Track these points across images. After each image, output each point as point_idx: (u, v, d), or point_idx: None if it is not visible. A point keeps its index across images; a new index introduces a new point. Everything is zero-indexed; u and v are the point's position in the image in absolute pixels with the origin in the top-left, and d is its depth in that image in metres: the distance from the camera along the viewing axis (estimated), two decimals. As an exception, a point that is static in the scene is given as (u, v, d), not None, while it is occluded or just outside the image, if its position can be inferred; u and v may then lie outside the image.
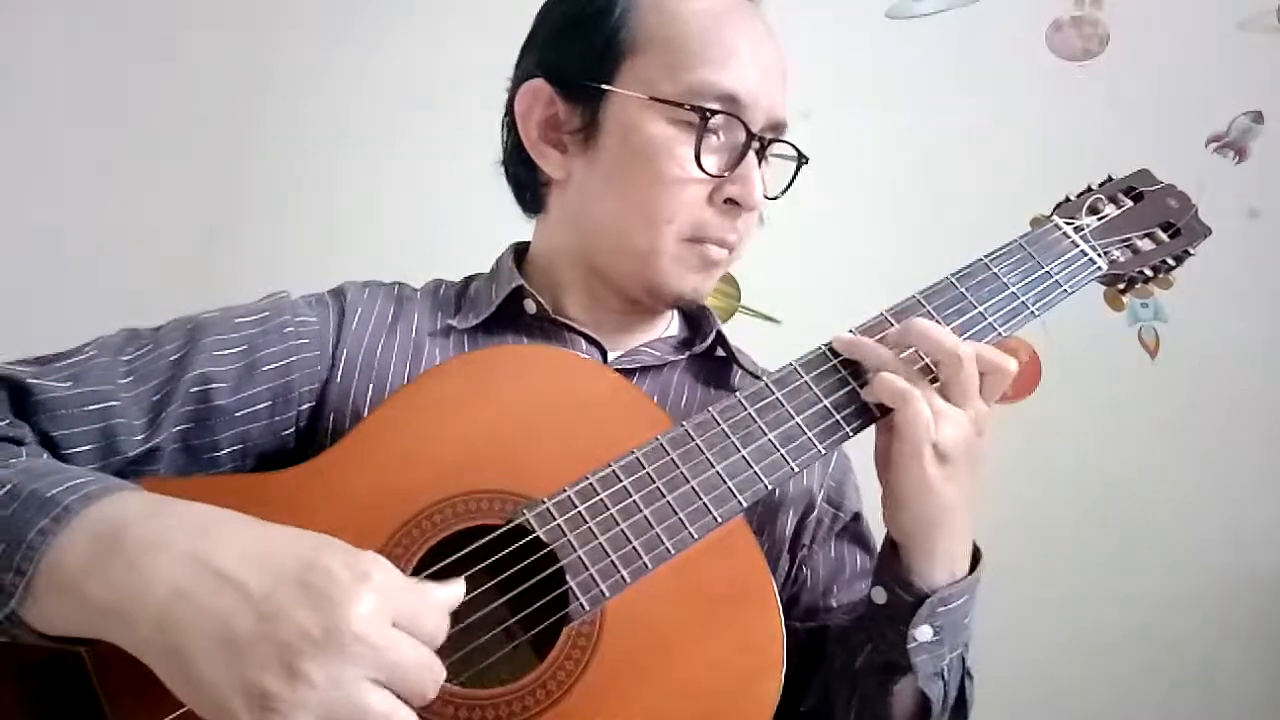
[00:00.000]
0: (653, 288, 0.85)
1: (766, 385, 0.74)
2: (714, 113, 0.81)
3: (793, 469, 0.72)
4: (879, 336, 0.76)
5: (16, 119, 1.83)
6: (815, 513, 0.89)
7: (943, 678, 0.75)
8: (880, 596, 0.74)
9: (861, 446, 0.93)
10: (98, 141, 1.97)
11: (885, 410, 0.73)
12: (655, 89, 0.82)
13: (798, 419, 0.73)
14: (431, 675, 0.55)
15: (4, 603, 0.55)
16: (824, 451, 0.73)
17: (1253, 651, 1.74)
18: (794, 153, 0.88)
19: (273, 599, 0.53)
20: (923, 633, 0.72)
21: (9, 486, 0.59)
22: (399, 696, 0.54)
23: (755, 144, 0.83)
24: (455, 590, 0.60)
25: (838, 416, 0.74)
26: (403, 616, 0.55)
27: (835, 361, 0.75)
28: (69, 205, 1.92)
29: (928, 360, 0.74)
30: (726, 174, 0.82)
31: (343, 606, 0.52)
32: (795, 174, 0.89)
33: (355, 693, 0.52)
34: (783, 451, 0.72)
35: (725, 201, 0.83)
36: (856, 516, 0.93)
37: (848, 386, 0.75)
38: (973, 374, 0.71)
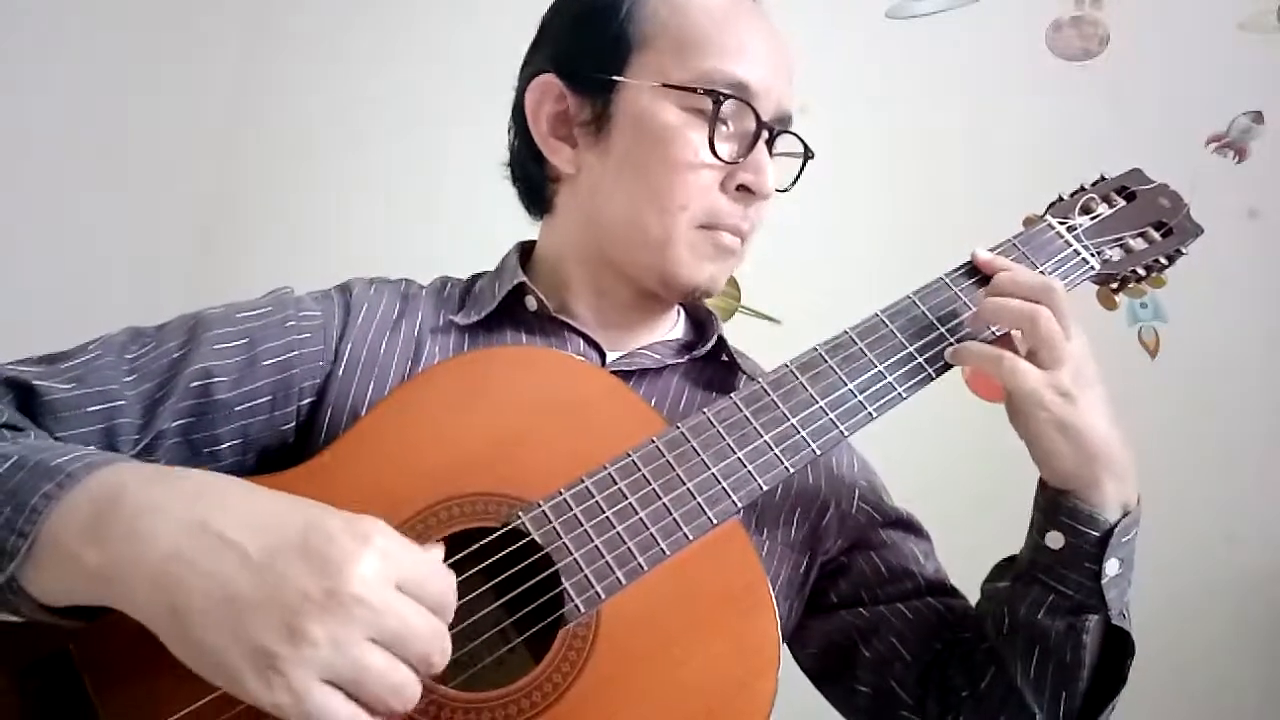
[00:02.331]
0: (668, 278, 0.85)
1: (761, 387, 0.75)
2: (726, 97, 0.81)
3: (787, 469, 0.72)
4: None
5: (16, 119, 1.83)
6: (851, 511, 0.90)
7: (1124, 614, 0.76)
8: (1057, 541, 0.73)
9: (877, 443, 0.94)
10: (97, 141, 1.97)
11: (883, 409, 0.75)
12: (667, 77, 0.82)
13: (793, 420, 0.74)
14: (437, 641, 0.55)
15: (4, 566, 0.56)
16: (819, 452, 0.73)
17: (1249, 650, 1.74)
18: (799, 147, 0.89)
19: (273, 561, 0.53)
20: (1112, 566, 0.73)
21: (15, 458, 0.60)
22: (403, 660, 0.54)
23: (765, 133, 0.83)
24: (435, 554, 0.60)
25: (831, 416, 0.74)
26: (407, 580, 0.55)
27: (832, 363, 0.76)
28: (69, 205, 1.92)
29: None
30: (740, 160, 0.83)
31: (343, 568, 0.53)
32: (802, 168, 0.90)
33: (356, 652, 0.52)
34: (776, 451, 0.73)
35: (738, 188, 0.84)
36: (900, 517, 0.93)
37: (843, 388, 0.75)
38: (1066, 303, 0.73)
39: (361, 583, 0.53)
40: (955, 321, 0.78)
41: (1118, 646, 0.76)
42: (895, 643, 0.85)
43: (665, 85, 0.82)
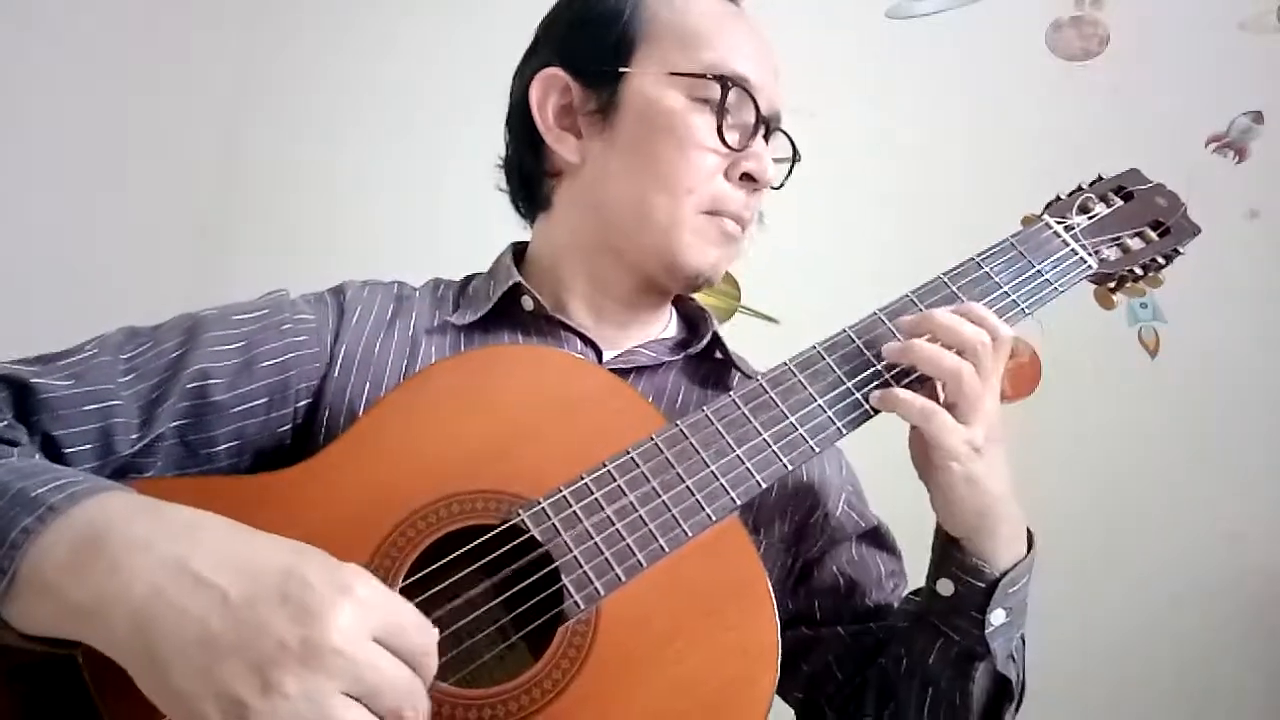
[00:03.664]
0: (672, 262, 0.86)
1: (760, 385, 0.75)
2: (733, 84, 0.84)
3: (786, 467, 0.72)
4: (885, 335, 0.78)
5: (16, 119, 1.83)
6: (835, 514, 0.90)
7: (1013, 659, 0.78)
8: (947, 589, 0.76)
9: (872, 444, 0.94)
10: (97, 141, 1.97)
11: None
12: (674, 68, 0.85)
13: (791, 418, 0.74)
14: (410, 697, 0.54)
15: None
16: (817, 450, 0.74)
17: (1249, 650, 1.74)
18: (788, 151, 0.92)
19: (251, 606, 0.52)
20: (997, 616, 0.75)
21: None
22: (376, 713, 0.53)
23: (764, 125, 0.86)
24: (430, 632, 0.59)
25: (829, 413, 0.74)
26: (385, 632, 0.54)
27: (829, 360, 0.76)
28: (69, 205, 1.92)
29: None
30: (746, 147, 0.85)
31: (321, 618, 0.51)
32: (790, 170, 0.92)
33: (329, 707, 0.51)
34: (775, 448, 0.73)
35: (741, 177, 0.86)
36: (877, 528, 0.94)
37: (841, 386, 0.75)
38: (1000, 359, 0.75)
39: (339, 634, 0.51)
40: None
41: (1007, 692, 0.79)
42: (831, 663, 0.87)
43: (673, 74, 0.85)
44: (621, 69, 0.86)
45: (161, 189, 2.10)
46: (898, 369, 0.76)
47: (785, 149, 0.92)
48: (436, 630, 0.57)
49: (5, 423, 0.68)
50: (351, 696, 0.52)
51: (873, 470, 0.97)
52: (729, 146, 0.84)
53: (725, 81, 0.83)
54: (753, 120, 0.85)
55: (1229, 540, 1.76)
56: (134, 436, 0.72)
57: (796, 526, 0.88)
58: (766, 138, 0.88)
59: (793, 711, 0.92)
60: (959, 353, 0.74)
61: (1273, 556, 1.76)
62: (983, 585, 0.75)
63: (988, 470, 0.73)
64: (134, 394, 0.73)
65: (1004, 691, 0.79)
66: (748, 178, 0.86)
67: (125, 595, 0.53)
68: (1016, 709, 0.81)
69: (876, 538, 0.93)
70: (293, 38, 2.30)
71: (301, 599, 0.52)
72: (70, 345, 0.75)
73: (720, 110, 0.84)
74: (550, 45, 0.92)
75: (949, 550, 0.76)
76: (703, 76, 0.84)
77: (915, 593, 0.84)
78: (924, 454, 0.74)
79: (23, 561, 0.55)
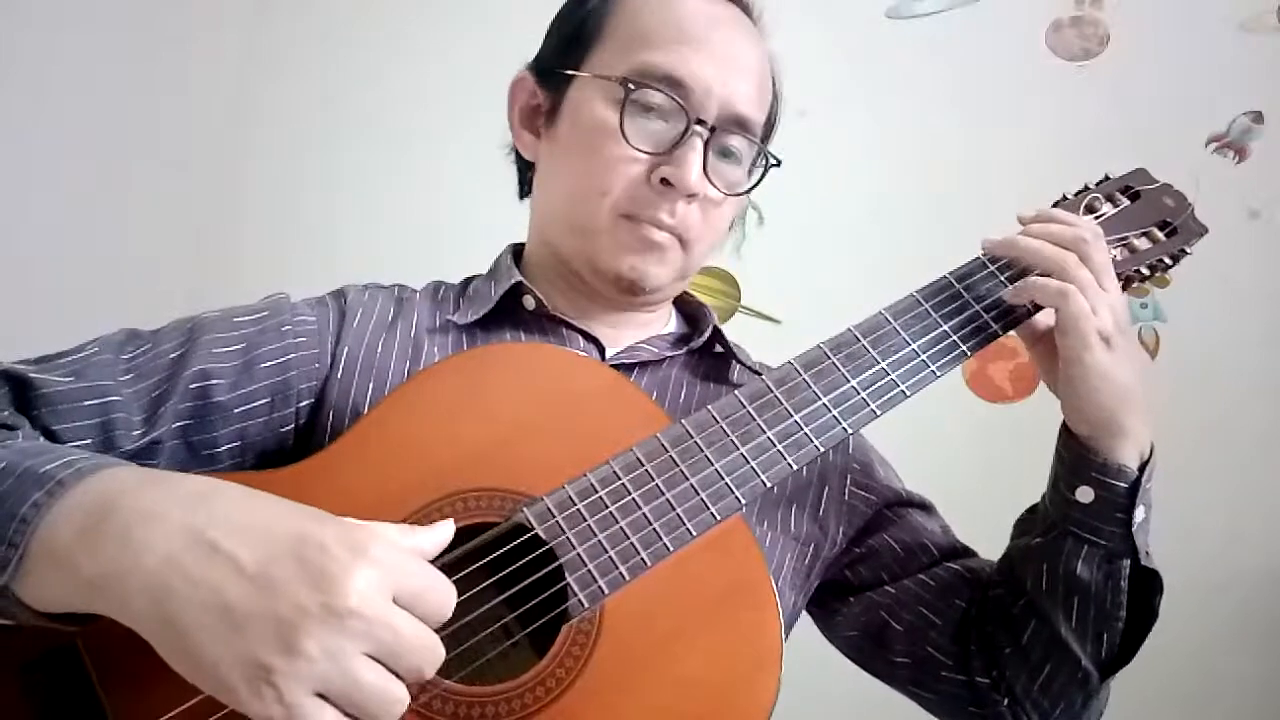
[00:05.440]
0: (592, 264, 0.87)
1: (765, 384, 0.75)
2: (639, 85, 0.82)
3: (790, 466, 0.72)
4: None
5: (16, 119, 1.83)
6: (845, 497, 0.91)
7: (1148, 554, 0.78)
8: (1087, 495, 0.76)
9: (876, 443, 0.94)
10: (97, 141, 1.97)
11: (887, 406, 0.75)
12: (606, 71, 0.85)
13: (795, 417, 0.74)
14: (430, 654, 0.55)
15: None
16: (822, 449, 0.73)
17: (1247, 649, 1.74)
18: (784, 156, 0.90)
19: (267, 572, 0.53)
20: (1139, 513, 0.76)
21: (3, 464, 0.59)
22: (395, 673, 0.54)
23: (699, 130, 0.83)
24: (443, 533, 0.60)
25: (834, 413, 0.74)
26: (404, 593, 0.55)
27: (835, 360, 0.76)
28: (69, 205, 1.92)
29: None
30: (661, 153, 0.83)
31: (339, 581, 0.52)
32: (764, 174, 0.90)
33: (350, 667, 0.52)
34: (780, 448, 0.73)
35: (661, 182, 0.83)
36: (899, 498, 0.94)
37: (846, 385, 0.75)
38: (1102, 254, 0.77)
39: (357, 596, 0.52)
40: (966, 314, 0.79)
41: (1144, 584, 0.78)
42: (924, 611, 0.87)
43: (596, 76, 0.85)
44: (569, 71, 0.87)
45: (161, 189, 2.10)
46: (903, 369, 0.76)
47: (767, 158, 0.90)
48: (454, 588, 0.58)
49: (6, 413, 0.68)
50: (373, 657, 0.53)
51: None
52: (636, 148, 0.82)
53: (628, 83, 0.82)
54: (683, 125, 0.82)
55: (1229, 541, 1.76)
56: (136, 434, 0.73)
57: (810, 518, 0.89)
58: (711, 140, 0.84)
59: (889, 692, 0.91)
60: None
61: (1272, 556, 1.76)
62: (1125, 486, 0.75)
63: (1119, 362, 0.74)
64: (135, 392, 0.74)
65: (1145, 584, 0.78)
66: (667, 182, 0.83)
67: (139, 567, 0.53)
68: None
69: (903, 501, 0.94)
70: (293, 38, 2.30)
71: (318, 564, 0.53)
72: (70, 346, 0.76)
73: (624, 109, 0.82)
74: (538, 52, 0.95)
75: (1084, 457, 0.76)
76: (610, 79, 0.83)
77: (1028, 513, 0.85)
78: (1053, 356, 0.76)
79: (33, 537, 0.55)
